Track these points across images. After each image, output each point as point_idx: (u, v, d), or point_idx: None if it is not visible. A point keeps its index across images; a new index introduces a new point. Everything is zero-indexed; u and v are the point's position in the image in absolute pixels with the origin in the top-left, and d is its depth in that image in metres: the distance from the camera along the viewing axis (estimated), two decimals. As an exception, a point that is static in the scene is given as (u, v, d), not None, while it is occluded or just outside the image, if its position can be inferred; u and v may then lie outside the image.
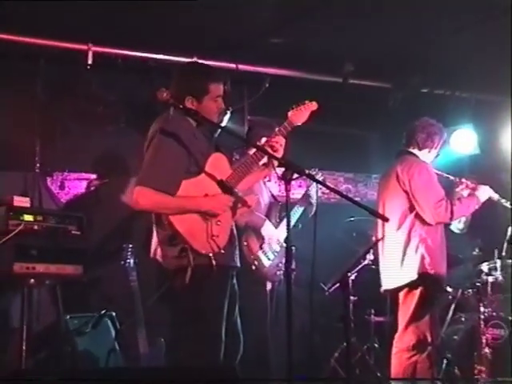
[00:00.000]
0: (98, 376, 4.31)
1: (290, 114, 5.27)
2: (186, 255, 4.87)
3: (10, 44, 6.63)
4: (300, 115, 5.28)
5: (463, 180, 6.56)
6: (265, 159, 5.25)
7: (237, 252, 5.24)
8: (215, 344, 4.97)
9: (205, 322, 4.99)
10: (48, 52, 6.91)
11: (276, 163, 5.20)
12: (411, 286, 6.30)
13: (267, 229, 6.64)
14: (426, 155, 6.53)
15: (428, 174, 6.31)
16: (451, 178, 6.60)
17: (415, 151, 6.52)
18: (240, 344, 5.38)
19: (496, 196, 6.54)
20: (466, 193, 6.50)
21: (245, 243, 6.54)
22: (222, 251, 4.95)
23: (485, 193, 6.46)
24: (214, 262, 4.88)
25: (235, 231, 5.25)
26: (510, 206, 6.65)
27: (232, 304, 5.24)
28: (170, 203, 4.87)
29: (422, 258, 6.26)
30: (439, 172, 6.53)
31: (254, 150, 5.32)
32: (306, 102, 5.35)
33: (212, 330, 4.99)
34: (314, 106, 5.35)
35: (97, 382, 3.92)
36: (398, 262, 6.31)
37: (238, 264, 5.27)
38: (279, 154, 5.14)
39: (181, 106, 4.96)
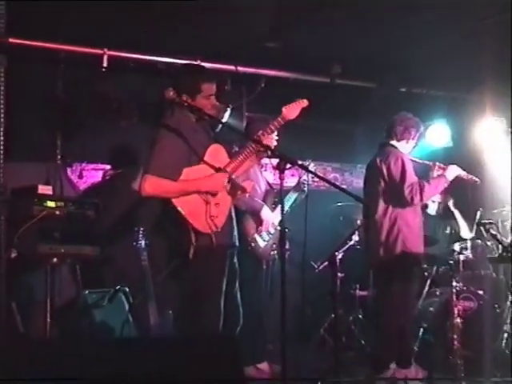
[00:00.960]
0: (114, 344, 4.34)
1: (283, 109, 5.29)
2: (188, 235, 4.92)
3: (34, 49, 6.63)
4: (292, 111, 5.27)
5: (436, 163, 6.58)
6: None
7: (235, 233, 5.27)
8: (214, 316, 5.01)
9: (204, 296, 5.03)
10: (68, 56, 6.92)
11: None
12: (393, 263, 6.33)
13: (265, 213, 6.66)
14: (404, 146, 6.55)
15: (402, 162, 6.32)
16: (426, 163, 6.63)
17: (394, 142, 6.55)
18: (240, 316, 5.40)
19: (464, 173, 6.55)
20: (437, 174, 6.53)
21: (242, 227, 6.58)
22: (220, 230, 4.98)
23: (452, 172, 6.45)
24: (214, 241, 4.93)
25: (233, 214, 5.29)
26: (478, 181, 6.68)
27: (232, 280, 5.28)
28: (173, 188, 4.91)
29: (402, 238, 6.29)
30: (416, 159, 6.56)
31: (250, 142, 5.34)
32: (298, 99, 5.37)
33: (211, 303, 5.02)
34: (304, 103, 5.33)
35: (112, 350, 3.94)
36: (382, 242, 6.34)
37: (237, 243, 5.30)
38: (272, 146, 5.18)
39: (185, 104, 5.02)
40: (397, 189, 6.27)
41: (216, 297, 5.03)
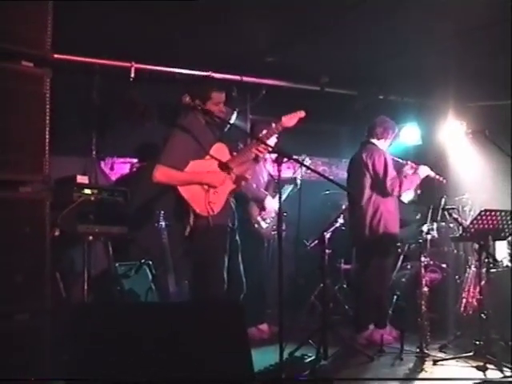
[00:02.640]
0: (140, 308, 4.38)
1: (283, 118, 5.28)
2: (188, 217, 4.96)
3: (73, 63, 6.65)
4: (290, 120, 5.24)
5: (409, 162, 6.63)
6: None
7: (233, 216, 5.27)
8: (218, 285, 5.01)
9: (208, 268, 5.05)
10: (101, 68, 6.94)
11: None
12: (374, 241, 6.37)
13: (268, 202, 6.72)
14: (382, 144, 6.60)
15: (384, 158, 6.39)
16: (400, 161, 6.67)
17: (375, 141, 6.59)
18: (243, 285, 5.42)
19: (432, 173, 6.60)
20: (410, 171, 6.56)
21: (247, 211, 6.63)
22: (217, 214, 4.99)
23: (424, 171, 6.53)
24: (211, 222, 4.96)
25: (233, 201, 5.29)
26: (444, 181, 6.71)
27: (235, 254, 5.30)
28: (180, 177, 4.95)
29: (384, 221, 6.34)
30: (392, 157, 6.59)
31: (254, 141, 5.36)
32: (298, 111, 5.30)
33: (214, 274, 5.03)
34: (302, 114, 5.26)
35: (138, 313, 3.98)
36: (365, 224, 6.38)
37: (235, 224, 5.30)
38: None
39: (199, 108, 5.04)
40: (380, 181, 6.32)
41: (218, 268, 5.03)
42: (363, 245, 6.58)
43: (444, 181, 6.71)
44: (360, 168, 6.49)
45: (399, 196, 6.61)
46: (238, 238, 5.38)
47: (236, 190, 5.28)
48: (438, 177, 6.65)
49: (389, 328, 6.44)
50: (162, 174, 4.93)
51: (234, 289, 5.23)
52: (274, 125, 5.28)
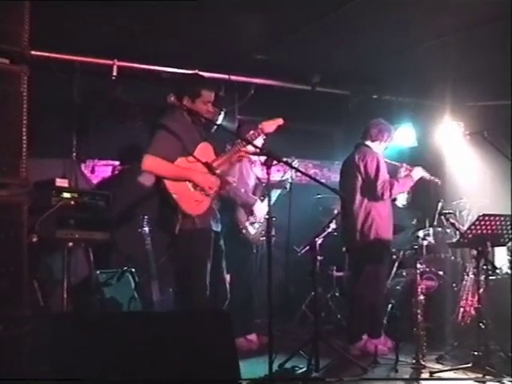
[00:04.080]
0: (121, 318, 4.35)
1: (262, 124, 5.41)
2: (176, 215, 4.94)
3: (53, 60, 6.64)
4: (269, 126, 5.48)
5: (404, 165, 6.64)
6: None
7: (217, 220, 5.29)
8: (201, 289, 5.02)
9: (191, 271, 5.05)
10: (82, 66, 6.93)
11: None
12: (366, 247, 6.36)
13: (257, 207, 6.71)
14: (377, 146, 6.59)
15: (377, 161, 6.38)
16: (396, 164, 6.68)
17: (369, 143, 6.59)
18: (226, 292, 5.42)
19: (427, 175, 6.62)
20: (404, 174, 6.58)
21: (235, 216, 6.62)
22: (202, 215, 5.02)
23: (418, 173, 6.54)
24: (196, 223, 4.96)
25: (217, 205, 5.32)
26: (439, 182, 6.74)
27: (219, 260, 5.32)
28: (169, 168, 4.98)
29: (374, 226, 6.34)
30: (388, 161, 6.60)
31: (241, 141, 5.38)
32: (276, 118, 5.49)
33: (197, 277, 5.04)
34: (280, 121, 5.49)
35: (120, 323, 3.95)
36: (356, 229, 6.37)
37: (219, 229, 5.31)
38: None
39: (184, 107, 5.06)
40: (371, 184, 6.32)
41: (201, 272, 5.04)
42: (355, 251, 6.58)
43: (439, 182, 6.74)
44: (352, 170, 6.50)
45: (393, 200, 6.62)
46: (222, 242, 5.39)
47: (220, 191, 5.31)
48: (432, 178, 6.66)
49: (383, 338, 6.43)
50: (151, 163, 4.93)
51: (217, 295, 5.23)
52: (252, 131, 5.37)
